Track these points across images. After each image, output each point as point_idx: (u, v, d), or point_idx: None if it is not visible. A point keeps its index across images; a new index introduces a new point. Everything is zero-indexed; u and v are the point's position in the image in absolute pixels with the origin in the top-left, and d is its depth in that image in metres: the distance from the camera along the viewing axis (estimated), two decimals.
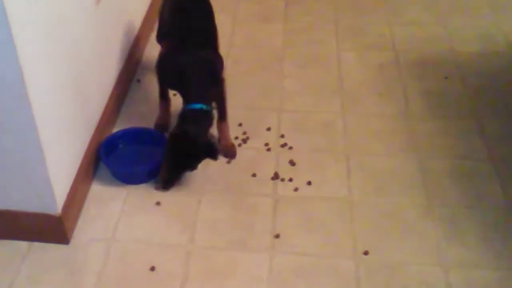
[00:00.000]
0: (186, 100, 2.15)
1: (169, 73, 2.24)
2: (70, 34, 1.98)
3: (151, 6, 2.99)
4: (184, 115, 2.12)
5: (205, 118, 2.14)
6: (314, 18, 3.15)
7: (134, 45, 2.72)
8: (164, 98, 2.40)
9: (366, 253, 1.97)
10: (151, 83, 2.68)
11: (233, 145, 2.33)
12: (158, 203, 2.13)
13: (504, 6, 3.22)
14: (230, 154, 2.31)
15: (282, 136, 2.41)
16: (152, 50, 2.89)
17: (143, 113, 2.51)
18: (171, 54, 2.26)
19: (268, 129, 2.43)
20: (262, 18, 3.14)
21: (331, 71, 2.78)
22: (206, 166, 2.27)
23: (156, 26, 3.05)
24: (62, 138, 1.95)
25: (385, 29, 3.06)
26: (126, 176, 2.20)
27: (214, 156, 2.14)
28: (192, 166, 2.15)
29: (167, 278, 1.90)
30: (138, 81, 2.70)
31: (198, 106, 2.11)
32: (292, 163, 2.29)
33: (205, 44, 2.29)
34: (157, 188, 2.17)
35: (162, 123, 2.39)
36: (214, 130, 2.33)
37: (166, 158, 2.12)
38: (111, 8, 2.40)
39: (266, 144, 2.37)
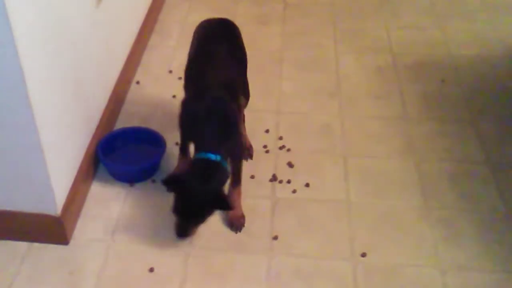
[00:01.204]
0: (197, 148, 1.98)
1: (184, 121, 2.07)
2: (70, 35, 1.98)
3: (151, 8, 3.00)
4: (193, 165, 1.95)
5: (216, 170, 1.92)
6: (313, 21, 3.17)
7: (134, 47, 2.72)
8: (183, 153, 2.20)
9: (363, 255, 1.98)
10: (150, 85, 2.70)
11: (242, 216, 2.09)
12: (157, 204, 2.14)
13: (500, 10, 3.24)
14: (237, 225, 2.07)
15: (281, 138, 2.43)
16: (151, 52, 2.90)
17: (142, 114, 2.52)
18: (186, 102, 2.07)
19: (267, 131, 2.45)
20: (261, 21, 3.15)
21: (329, 74, 2.79)
22: None
23: (155, 28, 3.07)
24: (62, 139, 1.96)
25: (382, 33, 3.08)
26: (123, 174, 2.21)
27: (225, 206, 1.93)
28: (201, 219, 1.96)
29: (166, 279, 1.90)
30: (137, 83, 2.71)
31: (209, 155, 1.92)
32: (290, 165, 2.30)
33: (223, 91, 2.02)
34: (176, 236, 1.98)
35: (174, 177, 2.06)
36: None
37: (174, 208, 1.95)
38: (111, 10, 2.40)
39: (265, 146, 2.38)
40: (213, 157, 1.92)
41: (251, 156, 2.32)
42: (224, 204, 1.92)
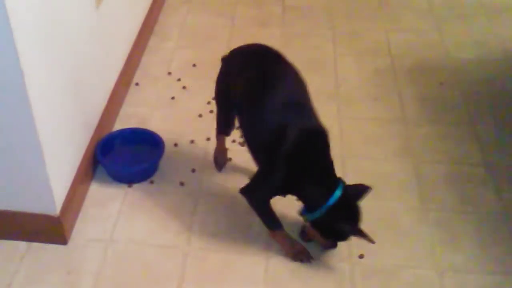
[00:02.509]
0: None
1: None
2: (70, 37, 1.99)
3: (150, 9, 3.01)
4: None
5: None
6: (311, 23, 3.18)
7: (133, 49, 2.73)
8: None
9: (361, 256, 1.99)
10: (149, 87, 2.70)
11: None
12: (155, 205, 2.14)
13: (499, 13, 3.25)
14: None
15: None
16: (151, 53, 2.91)
17: (141, 115, 2.53)
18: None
19: None
20: (260, 23, 3.15)
21: (327, 76, 2.80)
22: (204, 169, 2.28)
23: (154, 30, 3.08)
24: (61, 139, 1.96)
25: (381, 35, 3.08)
26: (122, 175, 2.22)
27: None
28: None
29: (164, 279, 1.91)
30: (137, 84, 2.71)
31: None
32: None
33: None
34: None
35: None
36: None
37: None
38: (111, 12, 2.41)
39: None
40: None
41: None
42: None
